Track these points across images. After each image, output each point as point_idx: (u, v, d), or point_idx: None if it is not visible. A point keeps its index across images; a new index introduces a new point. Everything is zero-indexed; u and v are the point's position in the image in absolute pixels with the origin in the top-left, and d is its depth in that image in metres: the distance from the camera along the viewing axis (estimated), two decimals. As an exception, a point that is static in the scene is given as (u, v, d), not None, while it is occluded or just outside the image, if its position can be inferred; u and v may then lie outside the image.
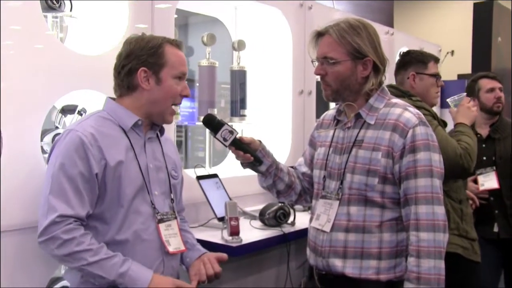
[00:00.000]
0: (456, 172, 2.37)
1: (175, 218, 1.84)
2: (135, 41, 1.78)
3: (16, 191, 1.85)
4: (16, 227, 1.85)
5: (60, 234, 1.60)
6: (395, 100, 1.87)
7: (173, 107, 1.83)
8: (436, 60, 2.66)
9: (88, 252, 1.61)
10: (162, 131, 1.90)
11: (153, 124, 1.85)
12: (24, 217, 1.85)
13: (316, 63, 1.85)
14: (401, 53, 2.76)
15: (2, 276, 1.80)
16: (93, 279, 1.65)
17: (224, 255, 1.91)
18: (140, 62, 1.75)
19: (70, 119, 2.26)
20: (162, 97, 1.78)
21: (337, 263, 1.79)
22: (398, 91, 2.53)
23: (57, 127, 2.27)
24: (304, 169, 2.09)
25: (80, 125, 1.72)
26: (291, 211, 2.55)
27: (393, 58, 3.78)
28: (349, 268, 1.77)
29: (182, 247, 1.83)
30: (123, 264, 1.64)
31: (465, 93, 2.84)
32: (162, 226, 1.77)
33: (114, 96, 1.85)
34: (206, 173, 2.60)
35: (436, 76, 2.61)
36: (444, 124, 2.56)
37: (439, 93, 2.65)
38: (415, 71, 2.59)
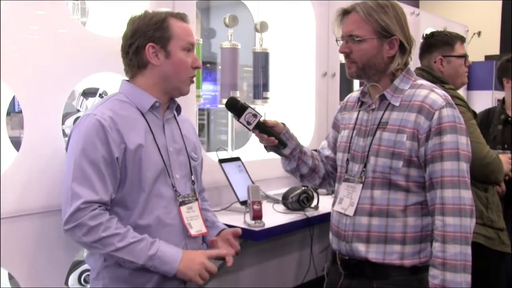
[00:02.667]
0: (480, 178, 2.32)
1: (196, 200, 1.83)
2: (139, 19, 1.76)
3: (38, 174, 1.85)
4: (37, 211, 1.86)
5: (86, 221, 1.59)
6: (421, 81, 1.83)
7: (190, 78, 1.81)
8: (462, 39, 2.57)
9: (115, 236, 1.61)
10: (178, 110, 1.89)
11: (170, 102, 1.83)
12: (45, 201, 1.86)
13: (341, 42, 1.82)
14: (424, 35, 2.67)
15: (25, 260, 1.82)
16: (122, 263, 1.65)
17: (238, 230, 1.91)
18: (146, 38, 1.73)
19: (92, 102, 2.26)
20: (173, 71, 1.76)
21: (360, 248, 1.78)
22: (430, 76, 2.45)
23: (78, 110, 2.27)
24: (328, 152, 2.08)
25: (98, 109, 1.70)
26: (315, 194, 2.54)
27: (418, 39, 3.69)
28: (372, 253, 1.76)
29: (204, 230, 1.83)
30: (151, 247, 1.64)
31: None
32: (183, 208, 1.77)
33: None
34: (228, 156, 2.60)
35: (464, 56, 2.53)
36: (474, 114, 2.48)
37: (467, 73, 2.57)
38: (442, 54, 2.50)
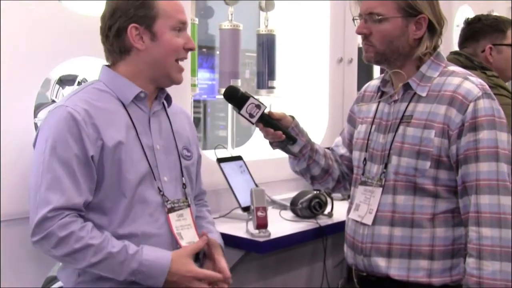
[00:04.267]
0: None
1: (188, 206, 1.82)
2: None
3: (5, 173, 1.84)
4: (5, 218, 1.86)
5: (55, 231, 1.58)
6: (454, 67, 1.83)
7: (180, 63, 1.80)
8: None
9: (89, 248, 1.59)
10: (169, 100, 1.88)
11: (158, 92, 1.83)
12: (10, 207, 1.85)
13: (359, 22, 1.82)
14: (468, 19, 2.60)
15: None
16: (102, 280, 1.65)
17: (204, 239, 1.81)
18: (128, 19, 1.71)
19: (69, 92, 2.18)
20: (162, 55, 1.74)
21: (381, 263, 1.78)
22: (468, 61, 2.41)
23: (53, 101, 2.24)
24: (342, 150, 2.08)
25: (71, 100, 1.69)
26: (328, 200, 2.54)
27: (451, 19, 3.70)
28: (394, 269, 1.76)
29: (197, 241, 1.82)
30: (133, 259, 1.62)
31: None
32: (172, 216, 1.76)
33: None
34: (228, 155, 2.60)
35: None
36: None
37: None
38: (492, 43, 2.46)
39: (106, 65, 1.82)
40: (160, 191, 1.74)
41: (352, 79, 3.40)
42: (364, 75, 3.37)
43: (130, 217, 1.69)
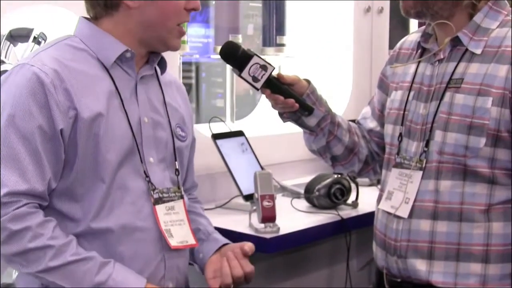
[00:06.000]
0: None
1: (181, 197, 1.81)
2: None
3: None
4: None
5: (6, 223, 1.54)
6: None
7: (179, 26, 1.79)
8: None
9: (48, 250, 1.56)
10: (163, 65, 1.86)
11: (150, 54, 1.81)
12: None
13: None
14: None
15: None
16: None
17: (250, 246, 1.86)
18: None
19: (23, 50, 2.22)
20: (158, 17, 1.73)
21: (420, 266, 1.77)
22: None
23: (2, 62, 2.21)
24: (372, 124, 2.08)
25: (37, 58, 1.65)
26: (352, 186, 2.52)
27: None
28: (438, 274, 1.76)
29: (192, 241, 1.81)
30: (99, 271, 1.61)
31: None
32: (160, 208, 1.74)
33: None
34: (226, 130, 2.59)
35: None
36: None
37: None
38: None
39: (85, 18, 1.79)
40: (146, 175, 1.73)
41: (383, 33, 3.40)
42: (399, 27, 3.35)
43: (107, 207, 1.67)
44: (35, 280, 1.64)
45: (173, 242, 1.74)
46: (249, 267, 1.82)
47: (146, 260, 1.71)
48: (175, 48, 1.80)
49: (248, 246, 1.85)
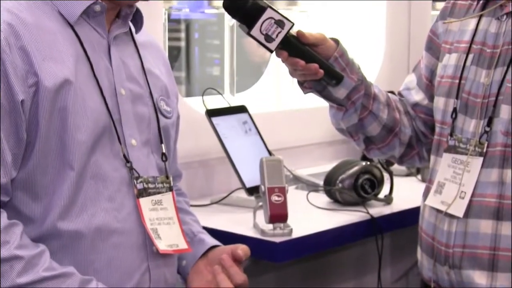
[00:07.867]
0: None
1: (170, 189, 1.73)
2: None
3: None
4: None
5: None
6: None
7: None
8: None
9: (15, 262, 1.46)
10: (139, 20, 1.74)
11: (123, 8, 1.70)
12: None
13: None
14: None
15: None
16: None
17: (245, 249, 1.77)
18: None
19: None
20: None
21: (479, 279, 1.71)
22: None
23: None
24: (417, 96, 1.98)
25: None
26: (385, 176, 2.45)
27: None
28: None
29: (183, 245, 1.71)
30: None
31: None
32: (145, 202, 1.66)
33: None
34: (225, 105, 2.56)
35: None
36: None
37: None
38: None
39: None
40: (127, 161, 1.64)
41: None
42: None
43: (78, 203, 1.57)
44: None
45: (161, 245, 1.66)
46: (240, 278, 1.72)
47: (127, 272, 1.62)
48: None
49: (242, 249, 1.76)
